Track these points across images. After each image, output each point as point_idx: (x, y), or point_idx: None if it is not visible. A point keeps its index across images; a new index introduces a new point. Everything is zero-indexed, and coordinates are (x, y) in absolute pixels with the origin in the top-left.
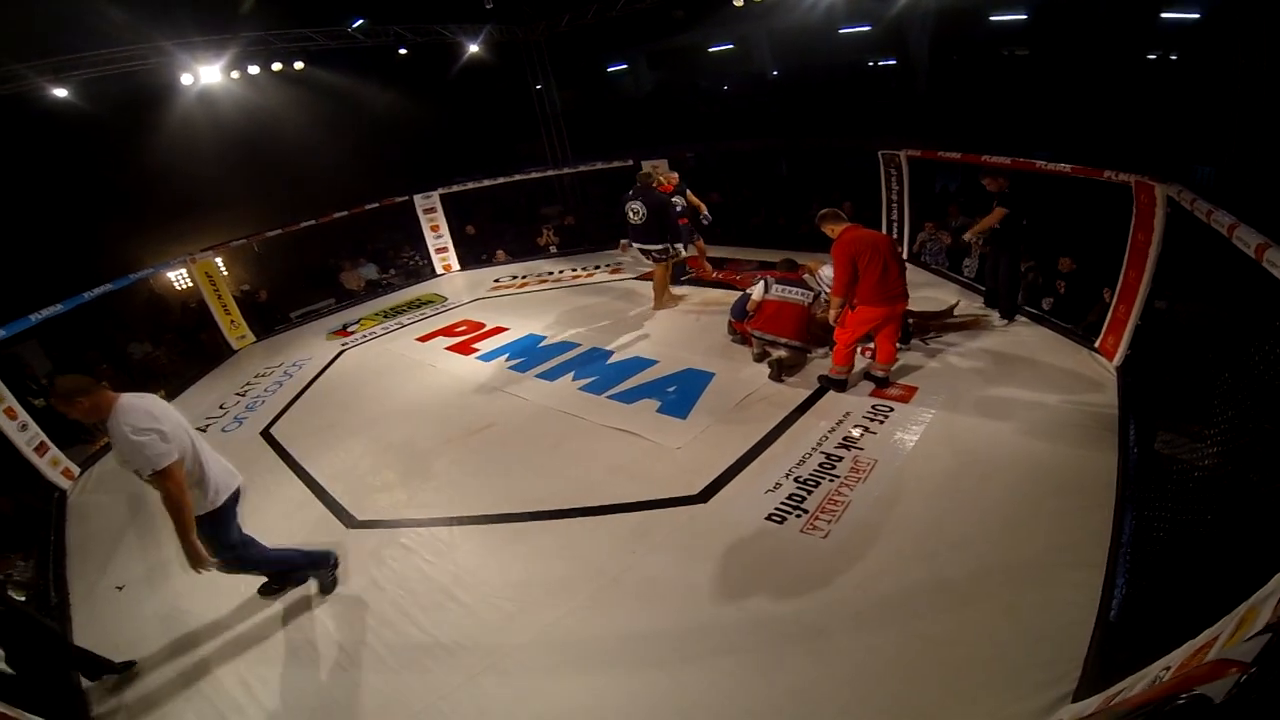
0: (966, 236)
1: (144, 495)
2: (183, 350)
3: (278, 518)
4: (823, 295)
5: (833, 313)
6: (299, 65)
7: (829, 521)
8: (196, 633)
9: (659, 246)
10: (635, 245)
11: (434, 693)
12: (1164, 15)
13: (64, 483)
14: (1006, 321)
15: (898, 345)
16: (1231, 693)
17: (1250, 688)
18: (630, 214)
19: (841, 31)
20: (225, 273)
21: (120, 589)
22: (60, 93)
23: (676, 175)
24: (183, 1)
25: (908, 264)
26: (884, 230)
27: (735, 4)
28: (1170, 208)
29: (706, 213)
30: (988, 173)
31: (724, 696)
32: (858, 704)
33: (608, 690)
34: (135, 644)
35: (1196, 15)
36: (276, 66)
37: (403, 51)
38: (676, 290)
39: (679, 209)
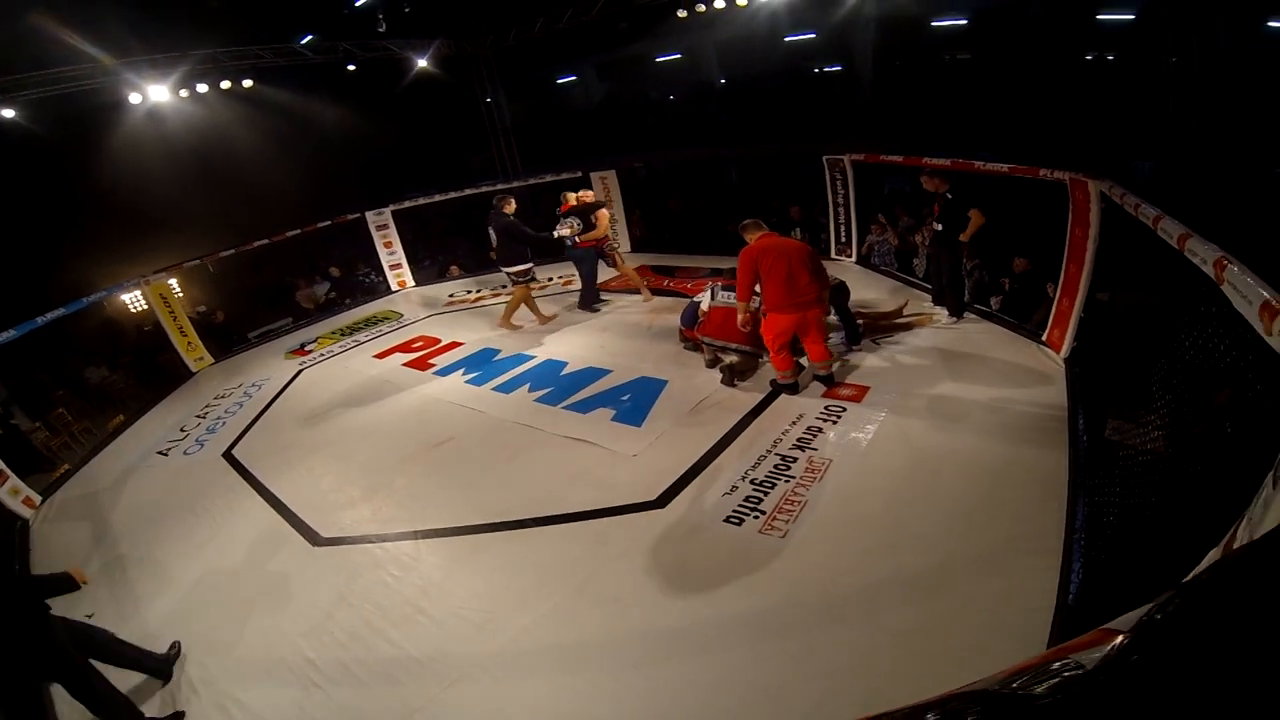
0: (963, 238)
1: (108, 523)
2: (140, 374)
3: (244, 539)
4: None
5: (739, 316)
6: (248, 83)
7: (787, 521)
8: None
9: (521, 268)
10: (503, 270)
11: (408, 706)
12: (1100, 17)
13: (25, 511)
14: (955, 319)
15: (852, 347)
16: (1108, 657)
17: (1126, 653)
18: (490, 238)
19: (787, 39)
20: (180, 294)
21: (89, 617)
22: (7, 113)
23: (591, 193)
24: (130, 20)
25: (858, 266)
26: (832, 233)
27: (679, 15)
28: (1104, 203)
29: (611, 243)
30: (926, 173)
31: (697, 698)
32: (831, 698)
33: (581, 695)
34: (108, 672)
35: (1131, 16)
36: (225, 85)
37: (351, 68)
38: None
39: (571, 230)
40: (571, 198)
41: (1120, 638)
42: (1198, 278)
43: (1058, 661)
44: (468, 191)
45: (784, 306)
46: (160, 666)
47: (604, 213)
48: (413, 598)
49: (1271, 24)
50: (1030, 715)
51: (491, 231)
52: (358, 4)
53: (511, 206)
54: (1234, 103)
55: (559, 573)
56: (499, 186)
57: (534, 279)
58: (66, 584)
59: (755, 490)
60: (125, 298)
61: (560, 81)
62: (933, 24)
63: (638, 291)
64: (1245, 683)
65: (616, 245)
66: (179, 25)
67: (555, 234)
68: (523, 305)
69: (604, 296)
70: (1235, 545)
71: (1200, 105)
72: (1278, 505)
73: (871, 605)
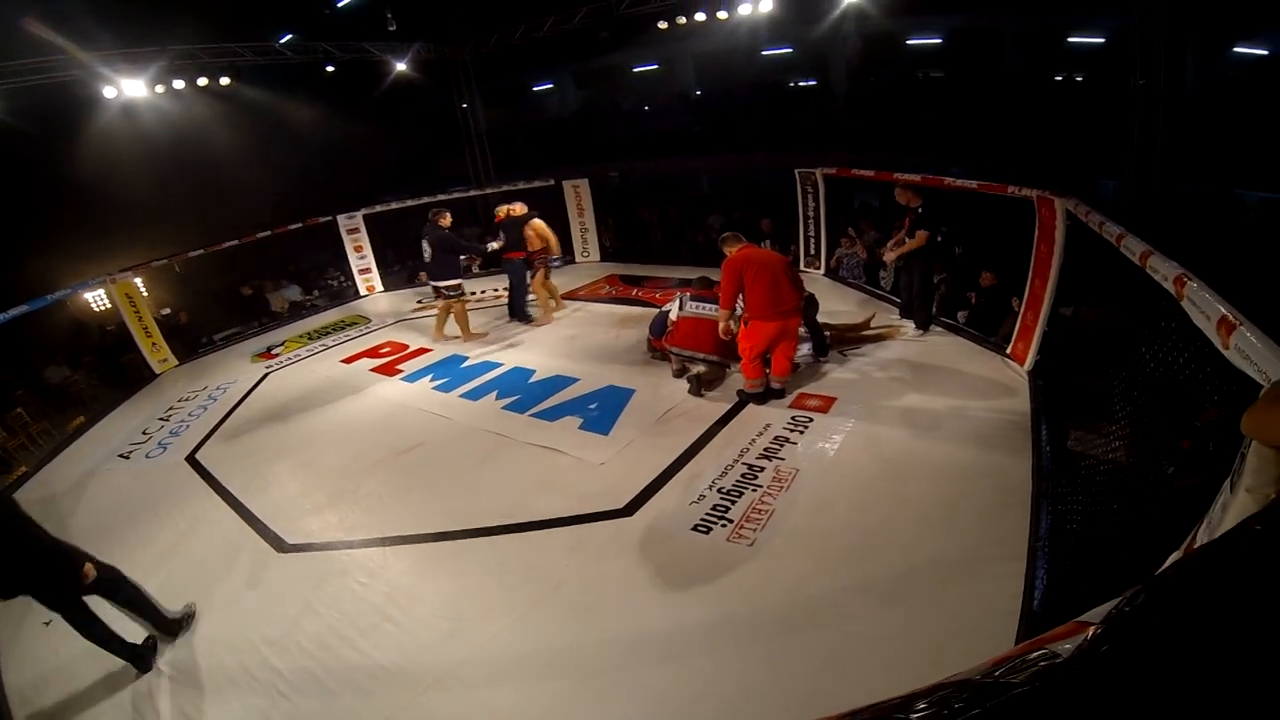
0: (889, 259)
1: (67, 527)
2: (102, 374)
3: (207, 545)
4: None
5: (721, 324)
6: (225, 81)
7: (754, 530)
8: (130, 666)
9: (451, 283)
10: (430, 283)
11: (378, 715)
12: (1071, 39)
13: None
14: (922, 332)
15: (819, 358)
16: (1080, 647)
17: (1098, 643)
18: (424, 251)
19: (764, 53)
20: (145, 294)
21: (47, 624)
22: None
23: (522, 206)
24: (107, 13)
25: (827, 279)
26: (801, 246)
27: (660, 26)
28: (1069, 220)
29: (555, 252)
30: (901, 186)
31: (665, 705)
32: (799, 705)
33: (549, 703)
34: (69, 680)
35: (1101, 40)
36: (202, 82)
37: (330, 69)
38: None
39: (500, 244)
40: (502, 210)
41: (1092, 629)
42: (1158, 294)
43: (1035, 652)
44: (440, 197)
45: (769, 315)
46: (170, 625)
47: (537, 224)
48: (380, 605)
49: (1238, 50)
50: (1011, 701)
51: (425, 244)
52: (340, 4)
53: (447, 220)
54: (1198, 125)
55: (527, 580)
56: (471, 193)
57: (464, 294)
58: (80, 559)
59: (723, 499)
60: (89, 296)
61: (537, 89)
62: (908, 42)
63: (610, 300)
64: (1207, 668)
65: (548, 257)
66: (157, 20)
67: (490, 247)
68: (466, 315)
69: (540, 303)
70: (1196, 546)
71: (1165, 127)
72: (1235, 508)
73: (840, 612)
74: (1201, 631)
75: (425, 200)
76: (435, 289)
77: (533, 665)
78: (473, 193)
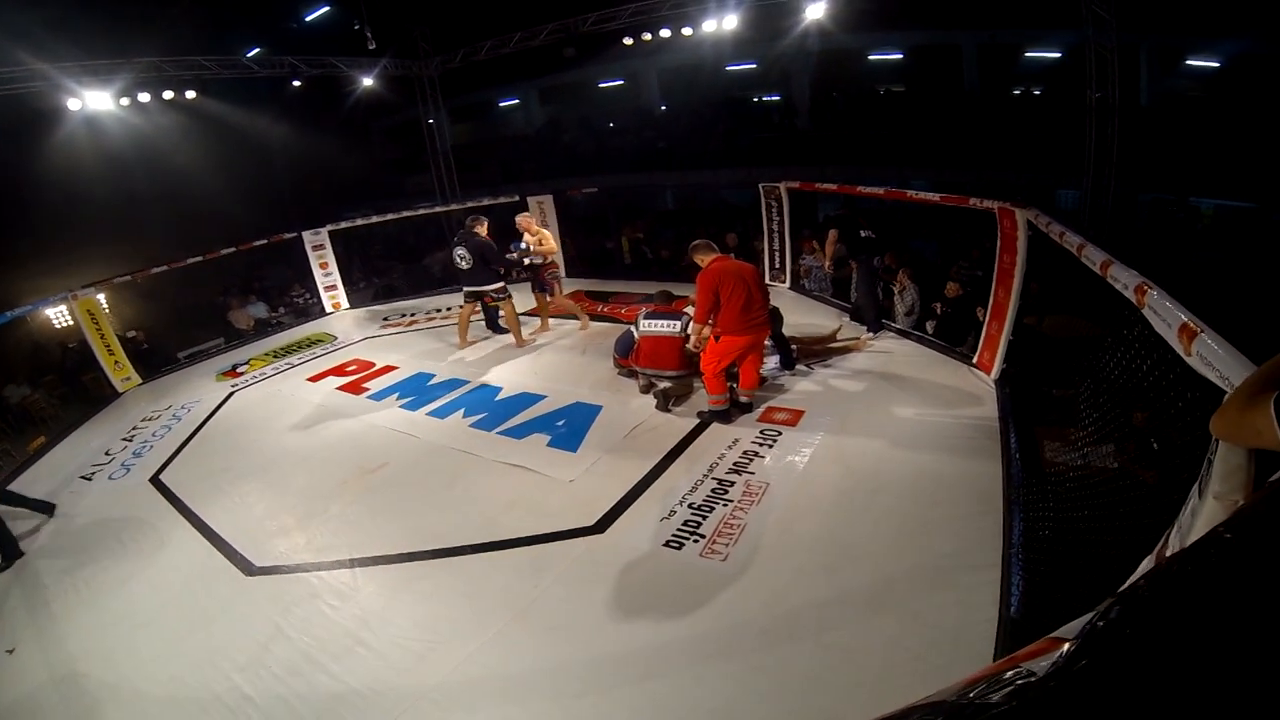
0: (827, 268)
1: (28, 550)
2: (63, 393)
3: (173, 568)
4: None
5: (694, 339)
6: (191, 94)
7: (727, 544)
8: (96, 696)
9: (495, 285)
10: (468, 290)
11: None
12: (1028, 54)
13: None
14: (873, 334)
15: (785, 372)
16: (1056, 664)
17: (1074, 659)
18: (459, 260)
19: (728, 69)
20: (108, 310)
21: (10, 652)
22: None
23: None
24: (73, 25)
25: (792, 292)
26: (766, 260)
27: (625, 42)
28: (1030, 230)
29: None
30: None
31: None
32: (782, 717)
33: None
34: (32, 712)
35: (1058, 54)
36: (168, 95)
37: (297, 84)
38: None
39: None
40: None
41: (1066, 645)
42: (1122, 302)
43: (1010, 670)
44: (405, 214)
45: (741, 329)
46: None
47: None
48: (352, 629)
49: (1191, 63)
50: None
51: (466, 251)
52: (307, 19)
53: (484, 226)
54: (1154, 136)
55: (499, 600)
56: (437, 209)
57: (509, 295)
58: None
59: (694, 514)
60: (50, 313)
61: (503, 105)
62: (869, 57)
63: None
64: (1184, 681)
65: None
66: (122, 33)
67: (527, 259)
68: (516, 317)
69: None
70: (1167, 552)
71: (1121, 138)
72: (1205, 514)
73: (817, 624)
74: (1177, 644)
75: (390, 217)
76: (474, 294)
77: (507, 687)
78: (438, 209)
